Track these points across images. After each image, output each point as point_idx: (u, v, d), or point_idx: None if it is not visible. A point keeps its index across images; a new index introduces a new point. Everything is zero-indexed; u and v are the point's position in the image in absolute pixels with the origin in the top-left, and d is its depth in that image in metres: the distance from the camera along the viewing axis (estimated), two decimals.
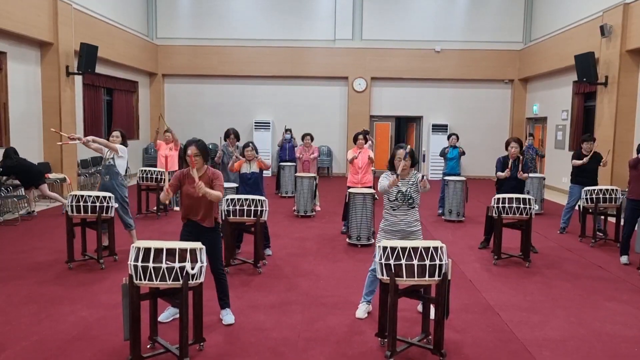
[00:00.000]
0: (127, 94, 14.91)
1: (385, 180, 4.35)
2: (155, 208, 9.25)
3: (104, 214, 5.85)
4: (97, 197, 5.81)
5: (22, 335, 4.05)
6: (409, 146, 4.35)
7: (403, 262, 3.58)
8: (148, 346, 3.78)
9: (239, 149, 7.22)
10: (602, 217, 7.80)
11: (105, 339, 3.98)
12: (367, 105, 16.06)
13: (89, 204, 5.77)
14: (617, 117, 10.45)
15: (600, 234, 7.76)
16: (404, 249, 3.59)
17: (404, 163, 4.24)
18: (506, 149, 6.95)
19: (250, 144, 6.49)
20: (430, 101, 16.30)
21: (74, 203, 5.75)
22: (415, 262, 3.57)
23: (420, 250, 3.59)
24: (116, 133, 6.50)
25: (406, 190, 4.34)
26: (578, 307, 4.97)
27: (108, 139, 6.49)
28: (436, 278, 3.62)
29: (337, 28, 16.07)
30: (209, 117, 16.47)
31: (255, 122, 16.14)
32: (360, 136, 7.77)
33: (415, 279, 3.61)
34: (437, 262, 3.60)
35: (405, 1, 16.07)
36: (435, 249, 3.62)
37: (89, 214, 5.81)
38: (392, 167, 4.37)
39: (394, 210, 4.36)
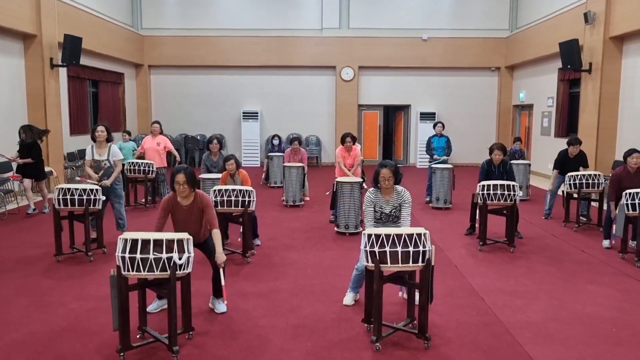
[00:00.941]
0: (113, 86, 14.79)
1: (369, 210, 4.38)
2: (143, 200, 9.25)
3: (92, 207, 5.86)
4: (85, 190, 5.82)
5: (12, 327, 4.08)
6: (392, 163, 4.34)
7: (387, 249, 3.65)
8: (137, 336, 3.83)
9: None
10: (586, 202, 7.95)
11: (95, 330, 4.02)
12: (355, 95, 16.09)
13: (76, 197, 5.77)
14: (601, 103, 10.59)
15: (584, 219, 7.91)
16: (388, 236, 3.66)
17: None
18: (490, 155, 7.02)
19: (232, 158, 6.30)
20: (417, 89, 16.37)
21: (61, 196, 5.76)
22: (399, 248, 3.64)
23: (404, 237, 3.66)
24: (101, 128, 6.44)
25: (390, 212, 4.36)
26: (560, 290, 5.09)
27: (93, 135, 6.45)
28: (420, 264, 3.69)
29: (324, 17, 16.04)
30: (197, 108, 16.42)
31: (243, 112, 16.11)
32: (349, 138, 7.84)
33: (400, 265, 3.68)
34: (421, 248, 3.68)
35: None
36: (419, 235, 3.69)
37: (77, 207, 5.82)
38: (376, 184, 4.36)
39: (378, 225, 4.38)
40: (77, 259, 5.93)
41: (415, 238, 3.67)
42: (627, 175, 6.39)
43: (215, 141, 7.52)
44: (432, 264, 3.73)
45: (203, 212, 4.25)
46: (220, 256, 4.14)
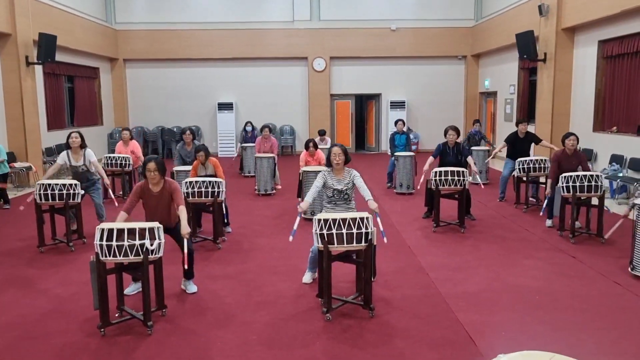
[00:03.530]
0: (89, 81, 15.03)
1: (317, 185, 4.86)
2: (121, 192, 9.64)
3: (71, 201, 6.28)
4: (64, 185, 6.23)
5: (2, 311, 4.53)
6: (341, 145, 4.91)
7: (334, 231, 4.18)
8: (116, 315, 4.31)
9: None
10: (535, 184, 8.60)
11: (78, 311, 4.50)
12: (327, 85, 16.56)
13: (57, 192, 6.19)
14: (555, 91, 11.24)
15: (533, 200, 8.57)
16: (334, 220, 4.19)
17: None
18: (445, 136, 7.59)
19: (202, 149, 6.78)
20: (388, 78, 16.89)
21: (42, 192, 6.17)
22: (344, 231, 4.18)
23: (349, 221, 4.19)
24: (75, 134, 6.73)
25: (342, 189, 4.89)
26: (498, 264, 5.70)
27: (68, 141, 6.73)
28: (363, 244, 4.24)
29: (295, 9, 16.41)
30: (173, 100, 16.72)
31: (218, 104, 16.47)
32: (311, 144, 8.43)
33: (345, 245, 4.22)
34: (364, 230, 4.22)
35: None
36: (362, 219, 4.23)
37: (57, 201, 6.24)
38: (329, 164, 4.91)
39: (331, 205, 4.91)
40: (59, 249, 6.36)
41: (358, 221, 4.21)
42: (565, 156, 7.01)
43: (188, 132, 7.98)
44: (374, 244, 4.28)
45: (172, 196, 4.68)
46: (185, 228, 4.44)
